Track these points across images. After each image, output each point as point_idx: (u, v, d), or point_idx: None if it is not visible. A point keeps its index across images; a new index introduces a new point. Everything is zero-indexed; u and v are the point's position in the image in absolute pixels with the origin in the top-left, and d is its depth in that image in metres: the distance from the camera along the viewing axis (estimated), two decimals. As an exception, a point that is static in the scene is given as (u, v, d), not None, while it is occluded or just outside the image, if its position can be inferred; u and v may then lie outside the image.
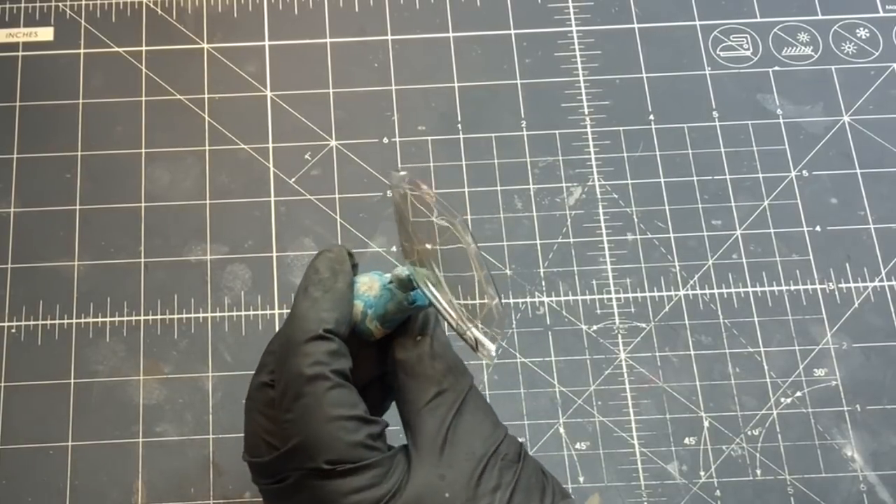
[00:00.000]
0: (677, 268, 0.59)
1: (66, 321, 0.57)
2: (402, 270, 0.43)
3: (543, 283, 0.58)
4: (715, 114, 0.62)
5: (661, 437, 0.55)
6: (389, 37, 0.64)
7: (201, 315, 0.57)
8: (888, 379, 0.56)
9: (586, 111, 0.62)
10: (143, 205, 0.59)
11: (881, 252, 0.59)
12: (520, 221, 0.60)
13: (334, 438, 0.40)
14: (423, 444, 0.41)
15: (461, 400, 0.41)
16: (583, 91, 0.63)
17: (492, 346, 0.41)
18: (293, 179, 0.60)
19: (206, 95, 0.62)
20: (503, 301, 0.42)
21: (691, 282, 0.58)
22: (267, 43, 0.64)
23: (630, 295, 0.58)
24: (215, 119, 0.62)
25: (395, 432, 0.43)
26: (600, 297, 0.58)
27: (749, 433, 0.55)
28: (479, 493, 0.40)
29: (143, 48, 0.63)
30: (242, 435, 0.54)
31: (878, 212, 0.60)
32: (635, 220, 0.60)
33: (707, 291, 0.58)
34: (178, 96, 0.62)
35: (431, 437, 0.41)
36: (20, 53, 0.63)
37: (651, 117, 0.62)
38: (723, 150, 0.61)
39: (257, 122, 0.62)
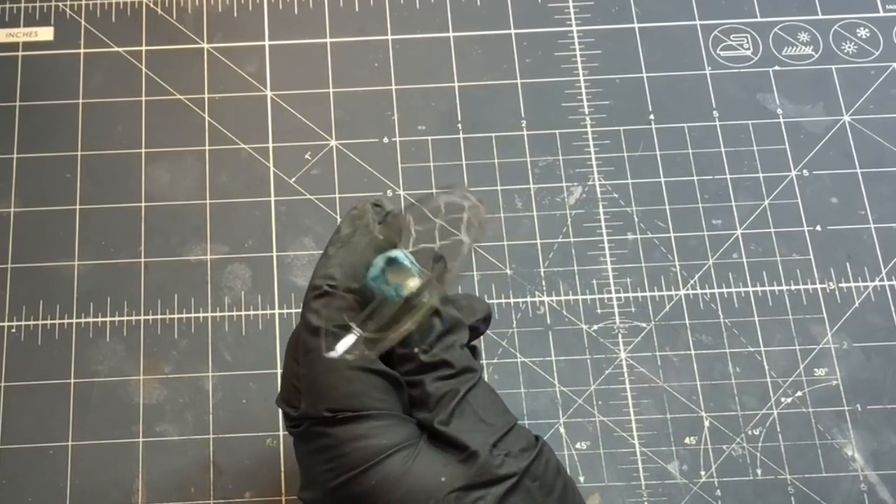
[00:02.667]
0: (677, 267, 0.59)
1: (66, 321, 0.57)
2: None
3: (544, 283, 0.58)
4: (715, 113, 0.62)
5: (661, 436, 0.55)
6: (389, 36, 0.64)
7: (201, 315, 0.57)
8: (889, 378, 0.56)
9: (586, 111, 0.62)
10: (143, 204, 0.59)
11: (881, 251, 0.59)
12: (520, 221, 0.60)
13: (333, 388, 0.41)
14: (429, 434, 0.41)
15: (461, 396, 0.41)
16: (583, 91, 0.63)
17: (337, 350, 0.41)
18: (293, 179, 0.60)
19: (206, 95, 0.62)
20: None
21: (692, 281, 0.58)
22: (267, 43, 0.64)
23: (630, 294, 0.58)
24: (215, 119, 0.62)
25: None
26: (600, 296, 0.58)
27: (749, 433, 0.55)
28: (474, 485, 0.40)
29: (143, 48, 0.63)
30: (242, 435, 0.55)
31: (878, 211, 0.60)
32: (635, 219, 0.60)
33: (707, 291, 0.58)
34: (179, 96, 0.62)
35: (435, 431, 0.41)
36: (20, 53, 0.63)
37: (651, 117, 0.62)
38: (723, 149, 0.61)
39: (257, 121, 0.62)
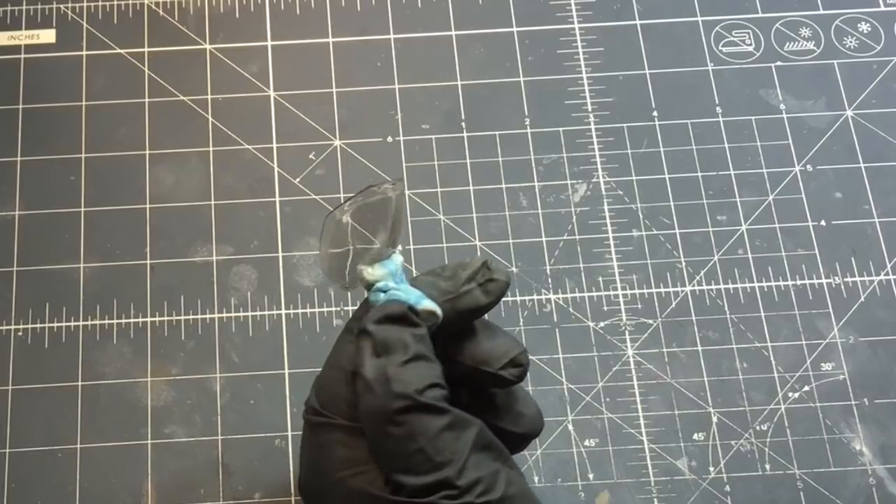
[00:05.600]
0: (683, 263, 0.59)
1: (72, 323, 0.57)
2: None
3: (550, 281, 0.58)
4: (718, 109, 0.62)
5: (669, 432, 0.55)
6: (392, 36, 0.64)
7: (208, 316, 0.57)
8: (895, 372, 0.56)
9: (590, 108, 0.62)
10: (147, 206, 0.59)
11: (886, 245, 0.59)
12: (525, 219, 0.60)
13: (325, 386, 0.43)
14: None
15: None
16: (586, 88, 0.63)
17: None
18: (298, 179, 0.60)
19: (209, 96, 0.62)
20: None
21: (697, 277, 0.58)
22: (269, 43, 0.64)
23: (636, 291, 0.58)
24: (219, 120, 0.62)
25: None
26: (607, 293, 0.58)
27: (757, 428, 0.55)
28: None
29: (146, 49, 0.63)
30: (251, 436, 0.55)
31: (882, 206, 0.60)
32: (640, 216, 0.60)
33: (713, 287, 0.58)
34: (182, 97, 0.62)
35: None
36: (22, 56, 0.63)
37: (654, 113, 0.62)
38: (726, 145, 0.61)
39: (261, 122, 0.62)
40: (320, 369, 0.45)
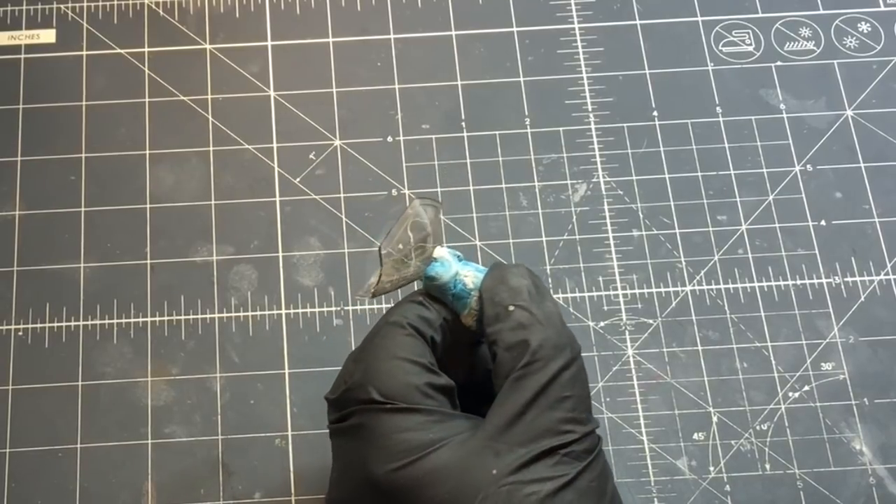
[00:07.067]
0: (683, 263, 0.59)
1: (72, 323, 0.57)
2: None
3: (550, 281, 0.58)
4: (718, 109, 0.62)
5: (669, 432, 0.55)
6: (392, 35, 0.64)
7: (208, 316, 0.57)
8: (895, 372, 0.56)
9: (590, 108, 0.62)
10: (147, 206, 0.59)
11: (886, 245, 0.59)
12: (525, 219, 0.60)
13: (391, 375, 0.42)
14: (494, 413, 0.41)
15: (550, 377, 0.41)
16: (586, 88, 0.63)
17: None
18: (298, 179, 0.60)
19: (209, 96, 0.62)
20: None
21: (697, 277, 0.58)
22: (269, 43, 0.64)
23: (637, 291, 0.58)
24: (219, 120, 0.62)
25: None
26: (607, 293, 0.58)
27: (758, 428, 0.55)
28: (526, 480, 0.40)
29: (146, 49, 0.63)
30: (251, 435, 0.55)
31: (882, 205, 0.60)
32: (640, 216, 0.60)
33: (713, 287, 0.58)
34: (182, 97, 0.62)
35: (505, 409, 0.41)
36: (22, 56, 0.63)
37: (654, 113, 0.62)
38: (727, 145, 0.61)
39: (261, 122, 0.62)
40: (340, 367, 0.45)
